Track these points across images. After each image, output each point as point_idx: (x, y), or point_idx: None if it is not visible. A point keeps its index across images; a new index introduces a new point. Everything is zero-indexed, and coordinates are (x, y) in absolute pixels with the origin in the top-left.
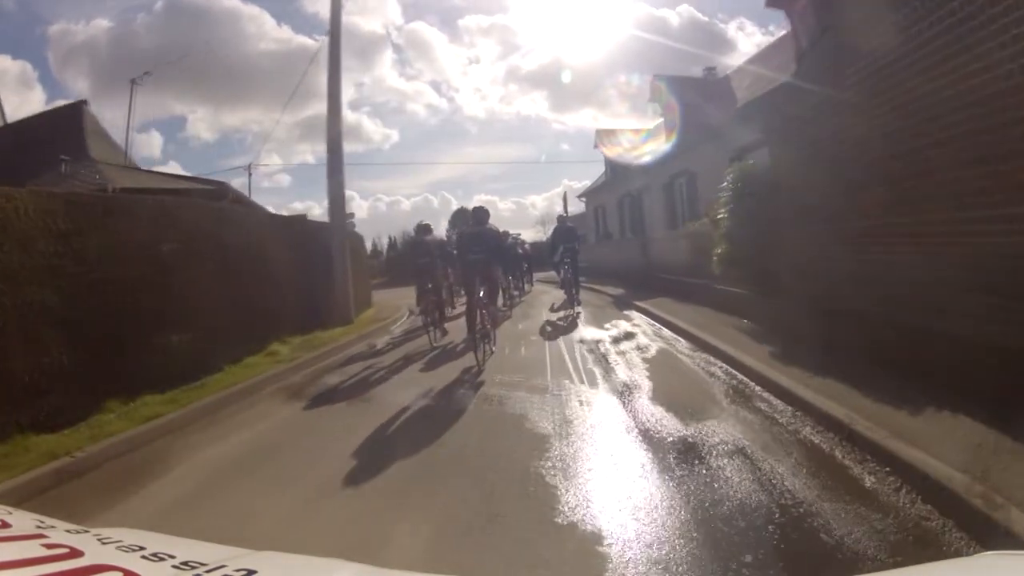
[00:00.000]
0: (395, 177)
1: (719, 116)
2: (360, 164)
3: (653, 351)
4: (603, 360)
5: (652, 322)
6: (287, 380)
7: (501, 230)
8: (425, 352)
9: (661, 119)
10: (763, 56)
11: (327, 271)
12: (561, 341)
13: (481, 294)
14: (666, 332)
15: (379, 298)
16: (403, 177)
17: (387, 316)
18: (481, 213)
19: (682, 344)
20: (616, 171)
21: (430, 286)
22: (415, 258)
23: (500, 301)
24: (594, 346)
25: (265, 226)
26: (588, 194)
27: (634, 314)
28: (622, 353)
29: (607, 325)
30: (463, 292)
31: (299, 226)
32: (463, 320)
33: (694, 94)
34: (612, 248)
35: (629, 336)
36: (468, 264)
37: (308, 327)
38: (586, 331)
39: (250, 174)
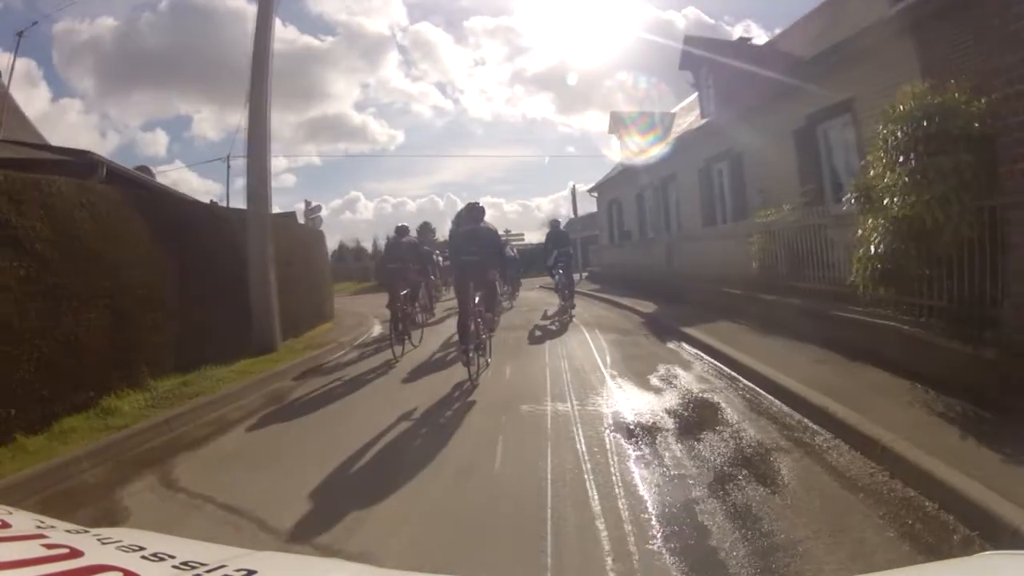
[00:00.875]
0: (401, 178)
1: (774, 81)
2: (364, 158)
3: (787, 475)
4: (687, 518)
5: (731, 373)
6: (77, 479)
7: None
8: (369, 388)
9: (695, 94)
10: (817, 14)
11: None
12: (577, 421)
13: (476, 300)
14: (774, 403)
15: (354, 307)
16: (409, 178)
17: (337, 337)
18: (476, 210)
19: (830, 443)
20: (634, 160)
21: (405, 292)
22: (387, 262)
23: None
24: (647, 447)
25: (129, 213)
26: (600, 188)
27: (689, 352)
28: (720, 483)
29: (654, 379)
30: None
31: (198, 216)
32: (439, 327)
33: (736, 61)
34: (630, 251)
35: (706, 412)
36: (462, 267)
37: (203, 359)
38: (621, 395)
39: (228, 166)
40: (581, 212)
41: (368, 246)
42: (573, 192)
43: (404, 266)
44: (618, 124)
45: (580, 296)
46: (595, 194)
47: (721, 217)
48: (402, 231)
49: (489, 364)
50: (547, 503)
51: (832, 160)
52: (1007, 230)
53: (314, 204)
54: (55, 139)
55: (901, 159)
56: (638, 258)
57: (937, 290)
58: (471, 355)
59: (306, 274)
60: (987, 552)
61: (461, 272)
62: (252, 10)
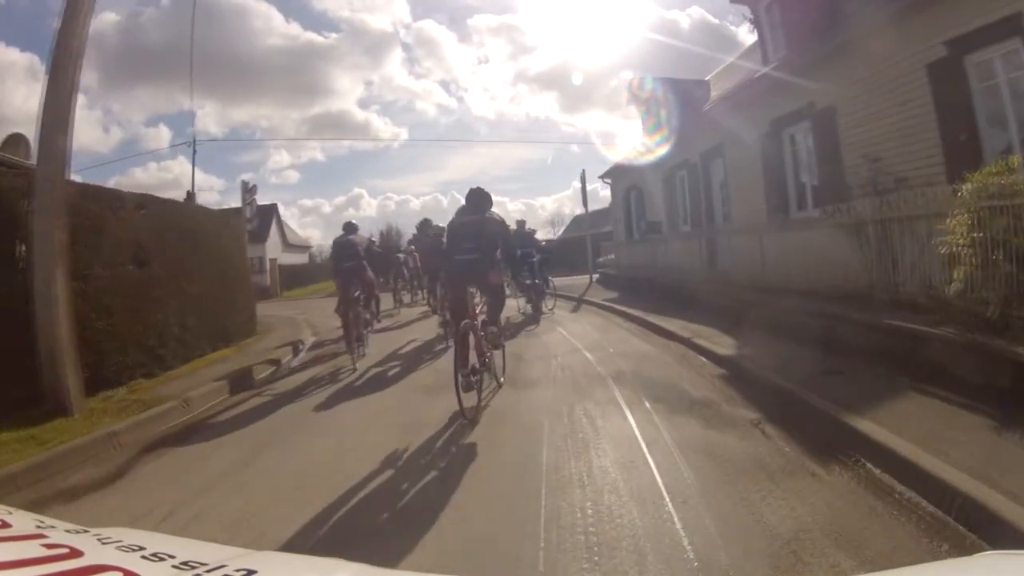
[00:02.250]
0: (405, 176)
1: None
2: (367, 155)
3: None
4: None
5: None
6: None
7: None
8: None
9: (733, 56)
10: None
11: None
12: None
13: (477, 309)
14: None
15: (312, 313)
16: (413, 176)
17: (222, 374)
18: (478, 196)
19: None
20: (660, 134)
21: (358, 294)
22: (338, 261)
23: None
24: None
25: None
26: (615, 173)
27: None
28: None
29: None
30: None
31: None
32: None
33: None
34: (658, 248)
35: None
36: (458, 267)
37: None
38: None
39: (194, 151)
40: (592, 206)
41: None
42: (583, 179)
43: (359, 264)
44: (639, 92)
45: (595, 309)
46: (608, 181)
47: (797, 201)
48: (350, 228)
49: (501, 385)
50: None
51: (990, 108)
52: None
53: (252, 184)
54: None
55: None
56: (668, 257)
57: None
58: (470, 380)
59: (187, 279)
60: (987, 552)
61: (458, 276)
62: (254, 7)
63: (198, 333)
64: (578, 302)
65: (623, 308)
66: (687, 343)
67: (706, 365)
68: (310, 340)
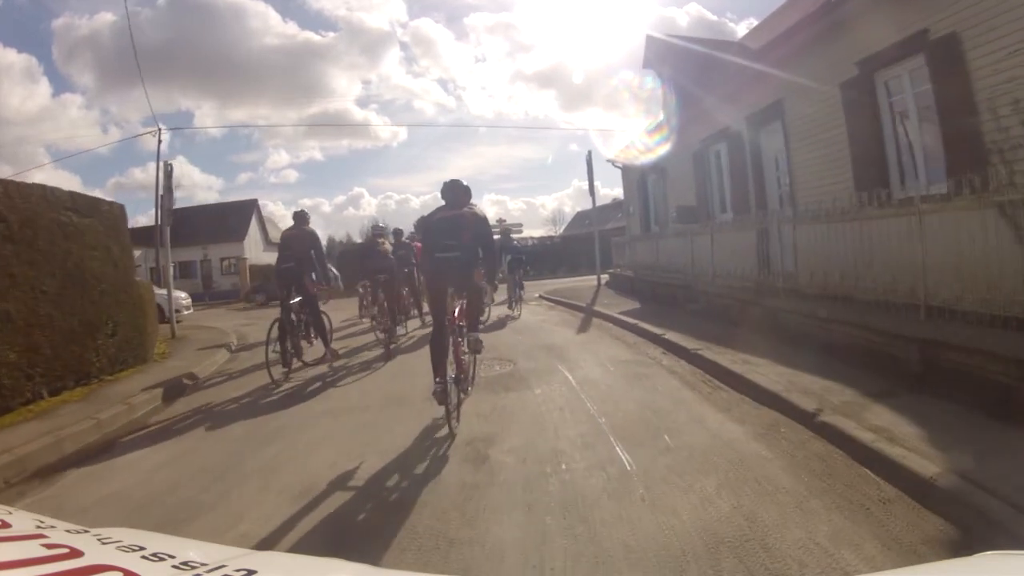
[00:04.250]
0: (405, 175)
1: None
2: (367, 154)
3: None
4: None
5: None
6: None
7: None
8: None
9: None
10: None
11: None
12: None
13: (457, 312)
14: None
15: (251, 325)
16: (413, 175)
17: (26, 438)
18: (458, 189)
19: None
20: (688, 105)
21: (299, 299)
22: (279, 263)
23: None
24: None
25: None
26: (626, 158)
27: None
28: None
29: None
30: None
31: None
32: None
33: None
34: (696, 244)
35: None
36: (439, 266)
37: None
38: None
39: (159, 140)
40: (599, 200)
41: (359, 241)
42: (588, 162)
43: (300, 267)
44: (659, 54)
45: (614, 329)
46: (619, 166)
47: (898, 175)
48: (299, 218)
49: (467, 395)
50: None
51: None
52: None
53: (170, 166)
54: (55, 134)
55: None
56: (712, 255)
57: None
58: (447, 389)
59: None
60: (987, 552)
61: (438, 275)
62: (251, 6)
63: (24, 371)
64: (587, 314)
65: (656, 330)
66: (822, 429)
67: (907, 509)
68: (219, 363)
